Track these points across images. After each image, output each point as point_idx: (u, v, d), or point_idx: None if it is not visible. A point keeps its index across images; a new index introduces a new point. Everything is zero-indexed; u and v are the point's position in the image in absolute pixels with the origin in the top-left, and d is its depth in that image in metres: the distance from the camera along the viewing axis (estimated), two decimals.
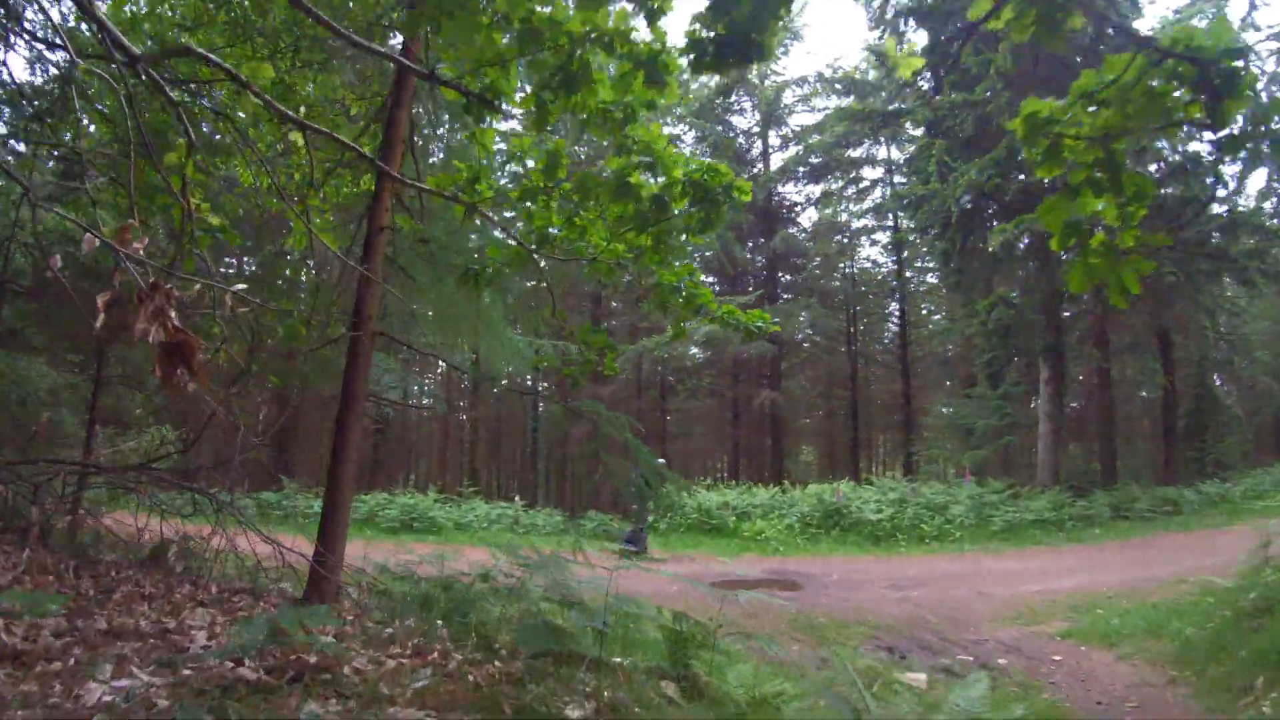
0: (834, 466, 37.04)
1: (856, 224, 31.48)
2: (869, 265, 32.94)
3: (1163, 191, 14.58)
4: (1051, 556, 10.74)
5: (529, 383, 27.93)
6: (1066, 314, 17.76)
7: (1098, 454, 18.51)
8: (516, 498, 18.30)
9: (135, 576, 4.36)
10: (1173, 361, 19.39)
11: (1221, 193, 14.98)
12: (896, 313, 31.95)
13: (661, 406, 31.12)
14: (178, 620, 3.70)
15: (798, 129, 28.28)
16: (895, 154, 27.23)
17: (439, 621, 4.08)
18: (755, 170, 27.60)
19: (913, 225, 18.33)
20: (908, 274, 29.98)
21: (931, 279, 31.92)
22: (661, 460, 12.09)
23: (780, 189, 28.93)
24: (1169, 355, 19.19)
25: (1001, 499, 13.92)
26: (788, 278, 29.16)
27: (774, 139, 28.88)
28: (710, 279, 30.33)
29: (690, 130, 27.47)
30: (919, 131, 17.56)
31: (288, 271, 10.78)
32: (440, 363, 30.90)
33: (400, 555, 5.88)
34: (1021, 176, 14.50)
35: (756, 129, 28.50)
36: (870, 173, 29.39)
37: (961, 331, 18.68)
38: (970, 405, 19.48)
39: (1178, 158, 15.25)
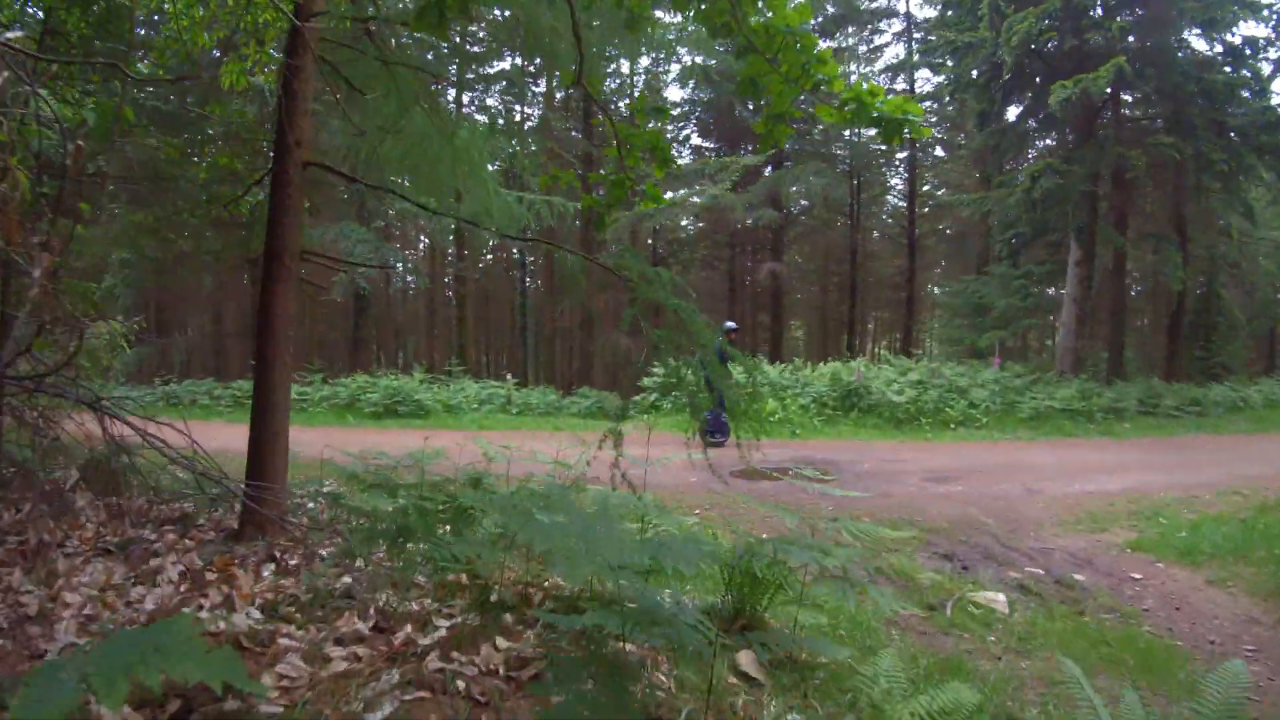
0: (825, 343, 36.59)
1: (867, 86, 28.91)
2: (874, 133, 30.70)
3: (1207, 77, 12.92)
4: (1089, 450, 9.94)
5: (516, 254, 26.40)
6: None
7: (1104, 344, 17.61)
8: (508, 375, 17.25)
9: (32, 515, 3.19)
10: (1187, 257, 18.15)
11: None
12: (902, 184, 30.31)
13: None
14: (52, 590, 2.57)
15: None
16: (918, 5, 24.47)
17: (419, 563, 2.94)
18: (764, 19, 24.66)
19: (948, 80, 16.21)
20: (915, 150, 27.93)
21: (940, 152, 30.09)
22: (731, 324, 10.80)
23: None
24: (1185, 251, 17.91)
25: (1025, 384, 13.06)
26: (794, 145, 26.93)
27: None
28: (708, 142, 28.25)
29: None
30: None
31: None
32: (424, 236, 29.14)
33: (373, 459, 4.78)
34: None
35: None
36: (887, 28, 26.66)
37: (980, 205, 17.16)
38: (991, 284, 18.31)
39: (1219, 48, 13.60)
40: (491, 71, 24.22)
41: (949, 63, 15.11)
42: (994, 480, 8.07)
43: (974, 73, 14.81)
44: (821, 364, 14.96)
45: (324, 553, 3.14)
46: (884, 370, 13.62)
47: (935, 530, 6.25)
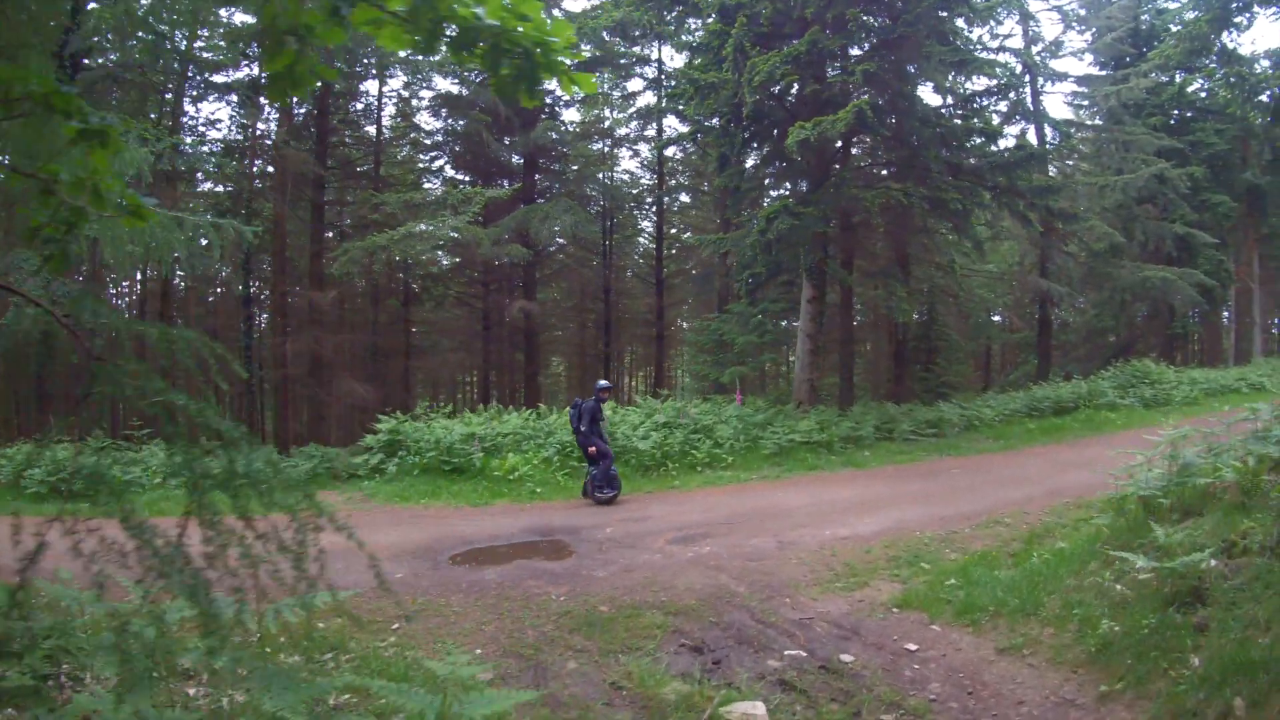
0: (584, 378, 36.41)
1: (620, 131, 29.75)
2: (627, 177, 31.83)
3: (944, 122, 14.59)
4: (836, 485, 9.90)
5: (240, 289, 21.96)
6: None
7: (835, 372, 19.00)
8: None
9: None
10: (909, 290, 20.44)
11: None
12: (651, 228, 31.48)
13: (404, 317, 27.31)
14: None
15: (575, 11, 25.00)
16: (669, 57, 25.41)
17: None
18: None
19: (691, 123, 16.41)
20: (663, 191, 29.24)
21: (685, 198, 31.79)
22: (604, 383, 10.38)
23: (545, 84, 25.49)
24: (907, 284, 20.14)
25: (767, 417, 13.12)
26: (548, 184, 26.23)
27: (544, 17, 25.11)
28: (462, 174, 26.58)
29: None
30: (710, 20, 15.42)
31: None
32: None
33: None
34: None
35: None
36: (640, 74, 27.47)
37: (719, 245, 17.73)
38: (730, 320, 18.86)
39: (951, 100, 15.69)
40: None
41: (693, 106, 15.22)
42: (745, 533, 7.41)
43: (714, 119, 15.02)
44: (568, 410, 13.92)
45: None
46: (631, 414, 12.89)
47: (684, 610, 5.25)
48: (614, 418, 12.30)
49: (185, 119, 23.90)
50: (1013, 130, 21.10)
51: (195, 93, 22.86)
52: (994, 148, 15.29)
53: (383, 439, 11.68)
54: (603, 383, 10.45)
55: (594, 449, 9.08)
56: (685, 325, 35.26)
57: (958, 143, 14.72)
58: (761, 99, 13.56)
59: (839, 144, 15.06)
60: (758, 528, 7.60)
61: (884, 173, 16.29)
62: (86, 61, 15.89)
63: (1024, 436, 14.13)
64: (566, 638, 4.77)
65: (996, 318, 31.72)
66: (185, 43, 19.41)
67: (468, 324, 29.00)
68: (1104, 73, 25.02)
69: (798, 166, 15.32)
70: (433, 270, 27.79)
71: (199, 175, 25.51)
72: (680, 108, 17.68)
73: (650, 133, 28.53)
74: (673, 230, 31.60)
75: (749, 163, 16.49)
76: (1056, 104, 45.59)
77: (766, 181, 18.34)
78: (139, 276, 23.75)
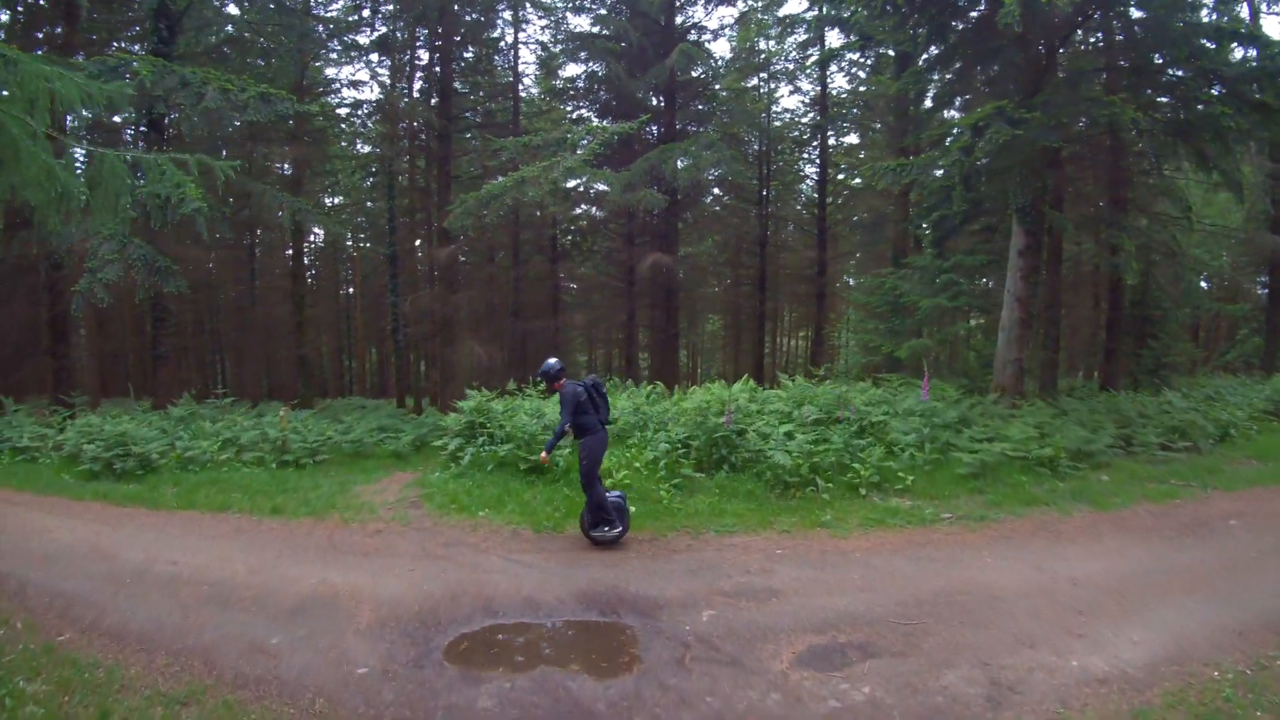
0: (740, 339, 33.32)
1: (775, 66, 25.84)
2: (786, 118, 27.84)
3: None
4: (1069, 544, 6.41)
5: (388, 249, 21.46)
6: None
7: (1043, 349, 14.53)
8: (290, 405, 12.90)
9: None
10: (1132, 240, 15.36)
11: None
12: (814, 172, 27.28)
13: (553, 273, 25.75)
14: None
15: None
16: None
17: None
18: None
19: (856, 16, 12.51)
20: (826, 121, 24.86)
21: (852, 138, 27.19)
22: (553, 360, 6.39)
23: (687, 5, 22.21)
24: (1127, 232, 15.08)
25: (961, 413, 9.56)
26: (693, 127, 22.99)
27: None
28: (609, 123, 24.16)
29: None
30: None
31: None
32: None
33: None
34: None
35: None
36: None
37: (900, 174, 13.85)
38: (911, 278, 14.90)
39: None
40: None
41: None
42: (931, 654, 4.37)
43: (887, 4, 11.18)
44: (702, 383, 11.18)
45: None
46: (772, 399, 9.88)
47: None
48: (750, 408, 9.37)
49: (324, 81, 23.71)
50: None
51: (335, 55, 22.39)
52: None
53: (463, 420, 9.67)
54: (551, 361, 6.52)
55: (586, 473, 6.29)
56: (851, 282, 31.01)
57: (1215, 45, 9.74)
58: None
59: (1056, 43, 10.70)
60: (952, 641, 4.49)
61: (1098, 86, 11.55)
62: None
63: None
64: None
65: (1204, 283, 24.16)
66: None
67: (609, 281, 27.06)
68: None
69: (1005, 63, 11.05)
70: (570, 223, 25.95)
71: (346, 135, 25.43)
72: (847, 14, 13.81)
73: (813, 57, 24.33)
74: (839, 176, 27.25)
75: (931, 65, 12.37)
76: None
77: (960, 84, 13.89)
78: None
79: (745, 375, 11.42)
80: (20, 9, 15.02)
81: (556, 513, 7.26)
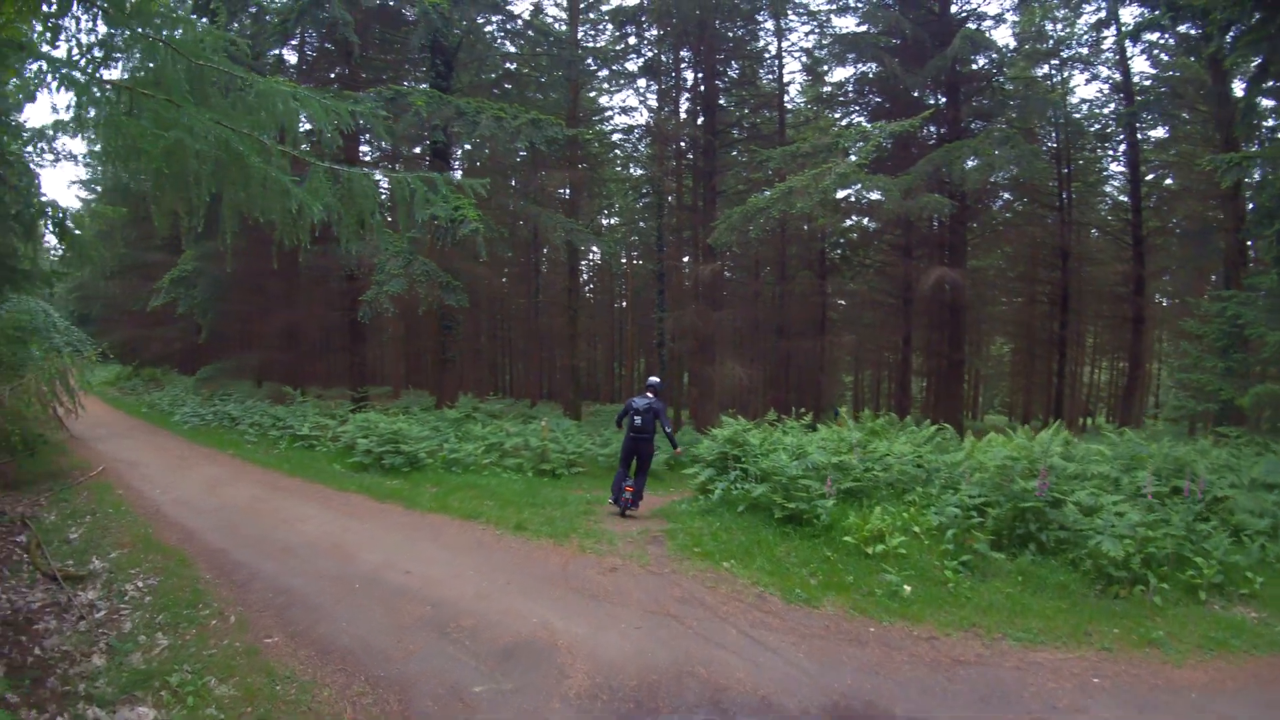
0: (1033, 365, 28.64)
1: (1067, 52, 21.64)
2: (1085, 110, 23.16)
3: None
4: None
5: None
6: None
7: None
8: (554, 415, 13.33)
9: None
10: None
11: None
12: (1122, 169, 22.17)
13: (820, 289, 24.35)
14: None
15: None
16: None
17: None
18: None
19: None
20: (1134, 109, 19.97)
21: (1160, 132, 21.50)
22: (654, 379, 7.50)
23: None
24: None
25: None
26: (977, 124, 19.99)
27: None
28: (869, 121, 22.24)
29: None
30: None
31: None
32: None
33: None
34: None
35: None
36: None
37: (1237, 169, 10.41)
38: (1254, 302, 11.34)
39: None
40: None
41: None
42: None
43: None
44: (1005, 429, 9.17)
45: None
46: (1087, 456, 7.65)
47: None
48: (1066, 468, 7.31)
49: (597, 109, 25.08)
50: None
51: (605, 85, 23.55)
52: None
53: (715, 449, 8.93)
54: (653, 379, 9.01)
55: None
56: (1164, 303, 24.91)
57: None
58: None
59: None
60: None
61: None
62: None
63: None
64: None
65: None
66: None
67: (881, 298, 24.78)
68: None
69: None
70: (840, 235, 24.27)
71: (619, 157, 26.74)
72: None
73: (1109, 38, 19.80)
74: (1149, 176, 21.94)
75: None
76: None
77: None
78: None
79: (1056, 422, 9.10)
80: (311, 51, 17.94)
81: (812, 579, 6.14)
